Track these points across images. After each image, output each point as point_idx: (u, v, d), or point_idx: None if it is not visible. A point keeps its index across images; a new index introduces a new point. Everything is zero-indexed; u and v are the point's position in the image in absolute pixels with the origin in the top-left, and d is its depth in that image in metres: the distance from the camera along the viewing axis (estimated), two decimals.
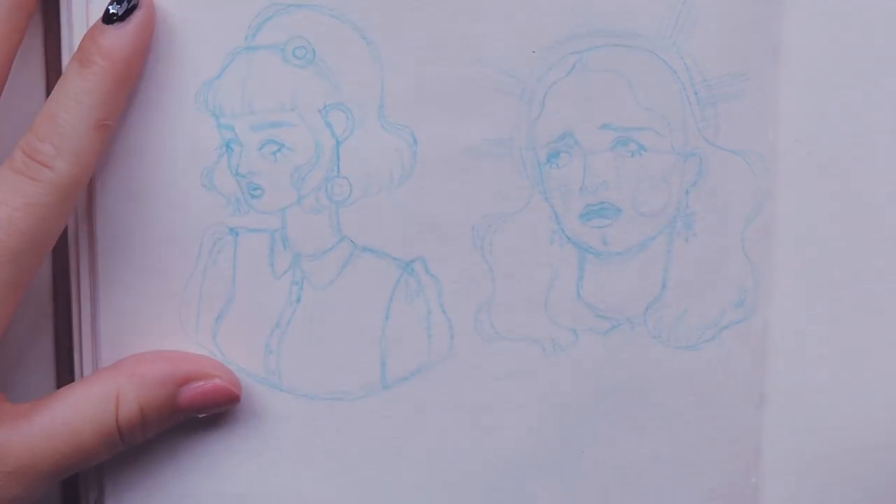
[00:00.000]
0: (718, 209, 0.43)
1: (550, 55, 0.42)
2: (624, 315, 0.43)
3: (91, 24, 0.40)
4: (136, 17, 0.40)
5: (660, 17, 0.42)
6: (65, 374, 0.45)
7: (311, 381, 0.43)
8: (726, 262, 0.43)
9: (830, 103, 0.43)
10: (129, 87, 0.40)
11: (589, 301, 0.43)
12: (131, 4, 0.40)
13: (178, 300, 0.43)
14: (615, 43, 0.42)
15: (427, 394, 0.43)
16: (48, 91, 0.42)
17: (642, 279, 0.43)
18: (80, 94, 0.39)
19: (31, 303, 0.44)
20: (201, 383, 0.42)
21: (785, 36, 0.43)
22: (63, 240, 0.44)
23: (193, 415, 0.42)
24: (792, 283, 0.44)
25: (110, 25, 0.40)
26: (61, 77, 0.40)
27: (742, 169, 0.43)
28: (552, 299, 0.43)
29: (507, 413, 0.43)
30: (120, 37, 0.40)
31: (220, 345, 0.43)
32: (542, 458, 0.44)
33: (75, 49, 0.40)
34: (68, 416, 0.40)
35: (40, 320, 0.45)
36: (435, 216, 0.42)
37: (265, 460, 0.44)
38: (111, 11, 0.40)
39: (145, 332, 0.43)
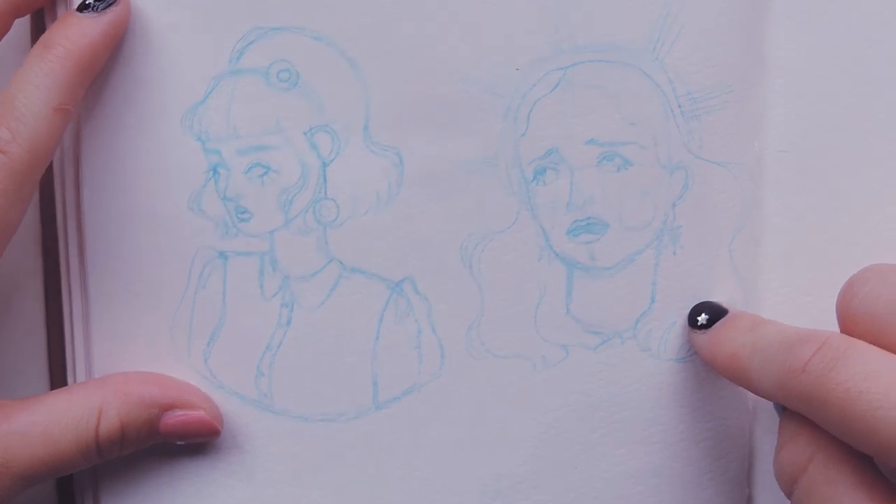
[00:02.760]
0: (705, 222, 0.43)
1: (534, 72, 0.42)
2: (613, 329, 0.43)
3: None
4: (112, 11, 0.40)
5: (642, 31, 0.42)
6: None
7: (302, 403, 0.43)
8: (714, 274, 0.43)
9: (815, 113, 0.44)
10: (90, 76, 0.40)
11: (578, 316, 0.43)
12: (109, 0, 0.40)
13: (169, 324, 0.43)
14: (598, 58, 0.42)
15: (419, 413, 0.43)
16: None
17: (631, 293, 0.43)
18: (39, 76, 0.39)
19: (25, 326, 0.45)
20: (185, 412, 0.42)
21: (770, 47, 0.43)
22: (55, 265, 0.44)
23: (171, 441, 0.42)
24: (780, 294, 0.44)
25: (82, 14, 0.40)
26: (24, 62, 0.40)
27: (728, 181, 0.43)
28: (542, 316, 0.43)
29: (499, 430, 0.44)
30: (91, 26, 0.40)
31: (212, 367, 0.43)
32: (535, 474, 0.44)
33: None
34: (49, 422, 0.40)
35: (33, 343, 0.45)
36: (423, 235, 0.42)
37: (259, 482, 0.44)
38: (87, 2, 0.40)
39: (137, 356, 0.43)
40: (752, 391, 0.39)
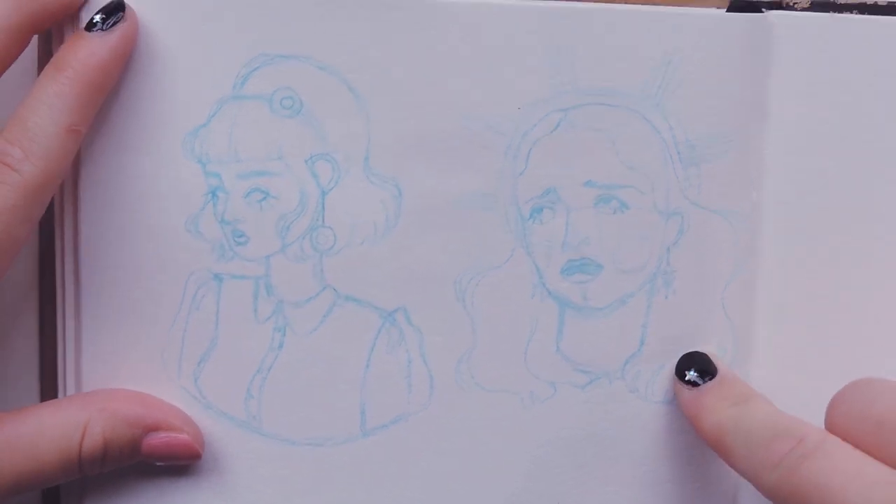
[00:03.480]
0: (699, 267, 0.43)
1: (536, 112, 0.42)
2: (602, 369, 0.43)
3: None
4: (120, 28, 0.40)
5: (644, 77, 0.42)
6: None
7: (291, 427, 0.43)
8: (706, 320, 0.44)
9: (815, 167, 0.44)
10: (102, 96, 0.41)
11: (568, 355, 0.43)
12: (116, 17, 0.40)
13: (161, 343, 0.43)
14: (599, 102, 0.42)
15: (407, 442, 0.44)
16: None
17: (621, 335, 0.43)
18: (51, 97, 0.39)
19: (18, 341, 0.45)
20: (168, 434, 0.42)
21: (771, 100, 0.43)
22: (50, 282, 0.44)
23: (152, 461, 0.43)
24: (772, 342, 0.44)
25: (90, 33, 0.40)
26: (35, 82, 0.40)
27: (724, 228, 0.43)
28: (532, 352, 0.43)
29: (485, 463, 0.44)
30: (99, 45, 0.40)
31: (202, 388, 0.43)
32: None
33: None
34: (35, 435, 0.40)
35: (26, 359, 0.45)
36: (418, 267, 0.43)
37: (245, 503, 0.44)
38: (94, 21, 0.40)
39: (128, 374, 0.43)
40: (729, 466, 0.40)
